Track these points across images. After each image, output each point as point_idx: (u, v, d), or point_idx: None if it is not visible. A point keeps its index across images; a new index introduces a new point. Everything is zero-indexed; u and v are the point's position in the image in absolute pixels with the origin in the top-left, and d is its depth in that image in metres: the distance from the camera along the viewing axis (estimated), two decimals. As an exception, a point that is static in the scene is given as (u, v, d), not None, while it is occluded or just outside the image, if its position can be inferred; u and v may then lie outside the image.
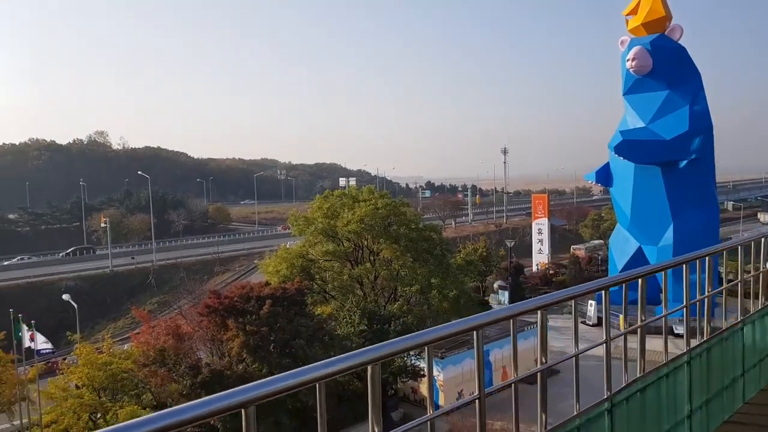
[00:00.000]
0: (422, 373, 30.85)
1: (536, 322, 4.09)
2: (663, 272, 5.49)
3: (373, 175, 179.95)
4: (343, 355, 2.99)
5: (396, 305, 38.37)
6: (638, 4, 41.90)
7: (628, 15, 42.74)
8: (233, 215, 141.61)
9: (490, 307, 53.96)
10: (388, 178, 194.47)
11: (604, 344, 4.54)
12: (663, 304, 5.49)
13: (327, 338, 28.65)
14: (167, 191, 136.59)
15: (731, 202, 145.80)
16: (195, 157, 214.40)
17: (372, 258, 42.20)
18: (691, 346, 5.73)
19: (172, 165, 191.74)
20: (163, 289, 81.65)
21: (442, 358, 31.70)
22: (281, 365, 25.44)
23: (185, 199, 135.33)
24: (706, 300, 6.15)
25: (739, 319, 6.72)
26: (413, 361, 31.44)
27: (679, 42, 40.95)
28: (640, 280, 5.13)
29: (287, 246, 46.84)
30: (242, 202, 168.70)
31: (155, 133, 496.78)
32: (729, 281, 7.08)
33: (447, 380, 32.08)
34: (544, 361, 3.98)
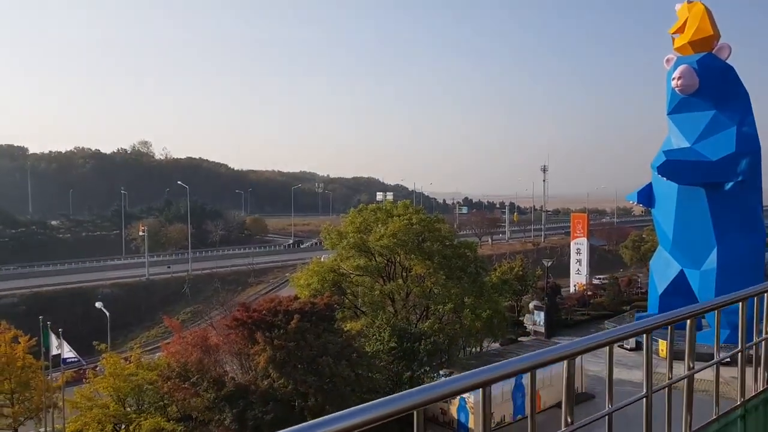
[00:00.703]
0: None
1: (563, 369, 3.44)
2: (716, 312, 4.76)
3: (410, 190, 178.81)
4: (298, 426, 2.24)
5: (427, 323, 37.55)
6: (685, 23, 40.58)
7: (674, 33, 41.45)
8: (270, 227, 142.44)
9: (525, 328, 52.82)
10: (426, 194, 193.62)
11: (644, 399, 3.85)
12: (715, 348, 4.77)
13: (355, 356, 28.01)
14: (206, 202, 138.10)
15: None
16: (235, 169, 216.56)
17: (404, 274, 41.47)
18: (746, 396, 4.96)
19: (213, 176, 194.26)
20: (197, 299, 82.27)
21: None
22: (306, 383, 24.92)
23: (223, 209, 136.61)
24: (764, 343, 5.37)
25: None
26: (442, 379, 30.47)
27: (727, 61, 39.59)
28: (688, 321, 4.42)
29: (321, 259, 46.44)
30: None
31: (198, 144, 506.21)
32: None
33: (477, 403, 31.06)
34: (569, 421, 3.31)
